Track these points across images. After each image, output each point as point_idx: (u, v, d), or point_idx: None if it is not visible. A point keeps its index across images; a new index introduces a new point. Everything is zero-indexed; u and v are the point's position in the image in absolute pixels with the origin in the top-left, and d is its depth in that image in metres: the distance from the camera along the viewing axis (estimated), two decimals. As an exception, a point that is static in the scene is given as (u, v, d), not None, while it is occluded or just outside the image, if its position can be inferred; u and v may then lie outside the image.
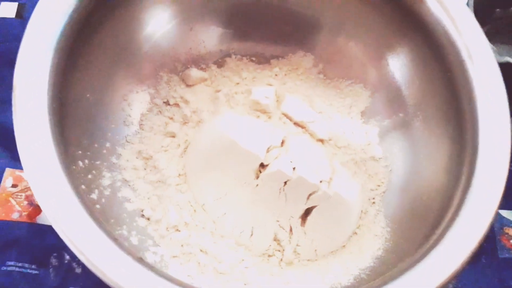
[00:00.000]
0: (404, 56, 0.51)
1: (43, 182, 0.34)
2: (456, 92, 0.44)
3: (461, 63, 0.44)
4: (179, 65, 0.54)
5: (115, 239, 0.33)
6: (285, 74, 0.54)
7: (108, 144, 0.47)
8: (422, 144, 0.49)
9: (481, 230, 0.37)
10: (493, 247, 0.52)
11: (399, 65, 0.52)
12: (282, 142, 0.45)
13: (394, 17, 0.49)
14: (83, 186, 0.41)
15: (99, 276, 0.31)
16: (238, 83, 0.53)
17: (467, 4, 0.51)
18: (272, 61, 0.55)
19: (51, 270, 0.45)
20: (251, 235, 0.45)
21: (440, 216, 0.41)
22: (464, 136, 0.43)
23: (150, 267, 0.33)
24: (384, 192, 0.50)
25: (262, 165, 0.44)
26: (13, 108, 0.36)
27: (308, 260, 0.46)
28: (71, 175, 0.37)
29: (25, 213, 0.47)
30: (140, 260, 0.33)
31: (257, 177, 0.44)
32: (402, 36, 0.50)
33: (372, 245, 0.47)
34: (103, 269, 0.31)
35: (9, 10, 0.56)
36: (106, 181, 0.45)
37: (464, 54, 0.44)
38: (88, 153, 0.44)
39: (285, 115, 0.49)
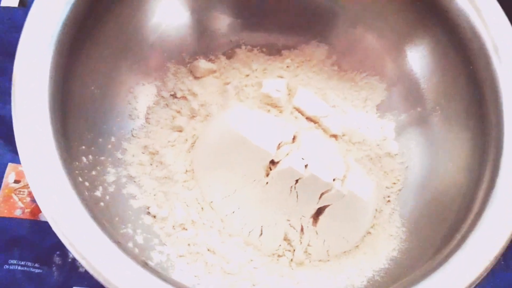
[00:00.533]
0: (423, 48, 0.48)
1: (42, 179, 0.32)
2: (479, 86, 0.42)
3: (485, 56, 0.42)
4: (187, 56, 0.52)
5: (118, 242, 0.31)
6: (297, 66, 0.52)
7: (113, 139, 0.46)
8: (441, 140, 0.47)
9: (505, 235, 0.35)
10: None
11: (418, 57, 0.49)
12: (294, 138, 0.43)
13: (415, 7, 0.46)
14: (86, 183, 0.40)
15: (101, 282, 0.30)
16: (248, 75, 0.51)
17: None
18: (283, 52, 0.53)
19: (54, 269, 0.44)
20: (261, 234, 0.43)
21: (461, 218, 0.39)
22: (487, 133, 0.41)
23: (155, 272, 0.31)
24: (400, 190, 0.48)
25: (273, 162, 0.42)
26: (12, 102, 0.34)
27: (320, 260, 0.44)
28: (72, 172, 0.35)
29: (28, 210, 0.46)
30: (144, 265, 0.31)
31: (267, 175, 0.42)
32: (422, 27, 0.47)
33: (386, 245, 0.45)
34: (105, 275, 0.30)
35: (11, -1, 0.54)
36: (110, 177, 0.43)
37: (489, 47, 0.41)
38: (92, 148, 0.43)
39: (297, 109, 0.47)
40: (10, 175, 0.47)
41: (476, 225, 0.36)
